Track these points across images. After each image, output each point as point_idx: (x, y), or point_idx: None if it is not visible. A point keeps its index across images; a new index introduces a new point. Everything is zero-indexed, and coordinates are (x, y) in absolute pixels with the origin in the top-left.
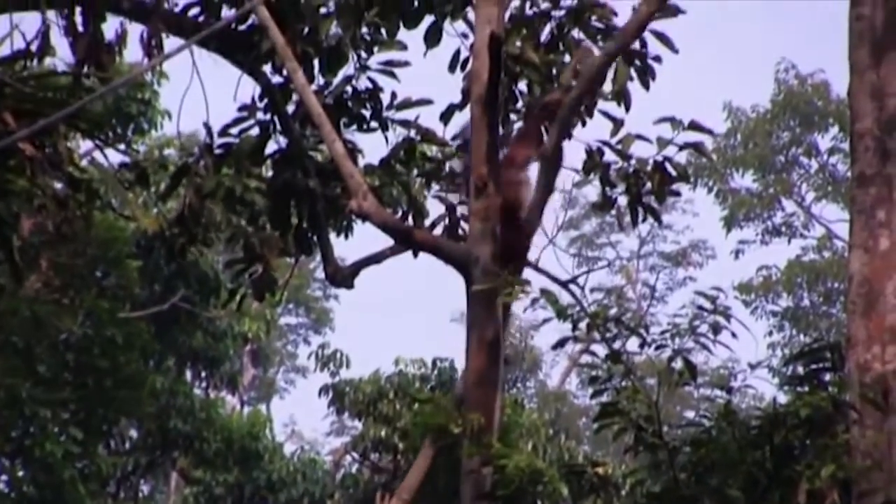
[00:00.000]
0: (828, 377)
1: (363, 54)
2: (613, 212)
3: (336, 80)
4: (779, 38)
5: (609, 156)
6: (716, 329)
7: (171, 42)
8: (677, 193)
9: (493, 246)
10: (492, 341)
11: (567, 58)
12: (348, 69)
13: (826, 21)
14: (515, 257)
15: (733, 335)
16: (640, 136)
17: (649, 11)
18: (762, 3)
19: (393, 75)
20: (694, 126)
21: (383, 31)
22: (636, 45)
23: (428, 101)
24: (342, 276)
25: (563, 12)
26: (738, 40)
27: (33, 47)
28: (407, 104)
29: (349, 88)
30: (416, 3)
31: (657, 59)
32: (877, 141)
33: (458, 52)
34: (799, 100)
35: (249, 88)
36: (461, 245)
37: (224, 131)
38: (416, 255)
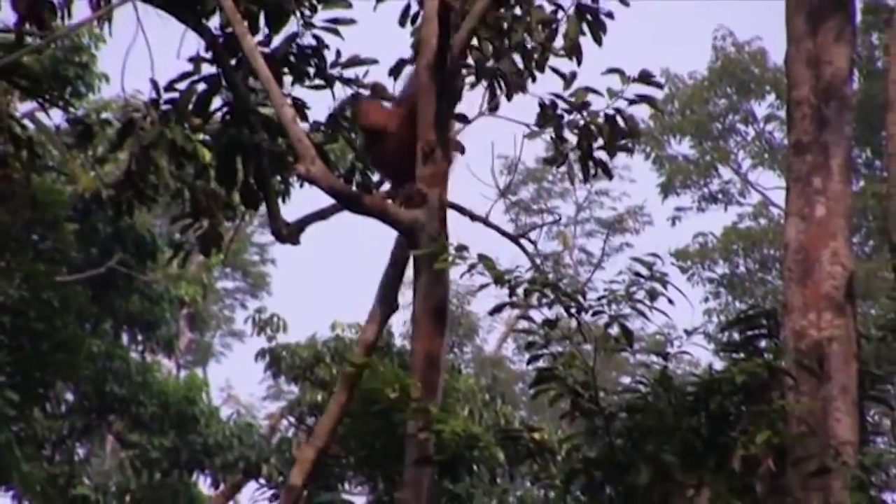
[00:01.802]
0: (763, 344)
1: (307, 12)
2: (561, 171)
3: (280, 37)
4: (716, 4)
5: (562, 109)
6: (652, 295)
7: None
8: (629, 149)
9: (439, 211)
10: (438, 307)
11: (518, 11)
12: (293, 26)
13: None
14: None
15: (670, 301)
16: (591, 90)
17: None
18: None
19: (337, 33)
20: (643, 78)
21: None
22: None
23: (373, 61)
24: (288, 232)
25: None
26: (674, 7)
27: None
28: (353, 62)
29: (294, 45)
30: None
31: (610, 14)
32: (813, 109)
33: (408, 6)
34: (736, 67)
35: (193, 45)
36: (408, 210)
37: (170, 86)
38: (363, 215)
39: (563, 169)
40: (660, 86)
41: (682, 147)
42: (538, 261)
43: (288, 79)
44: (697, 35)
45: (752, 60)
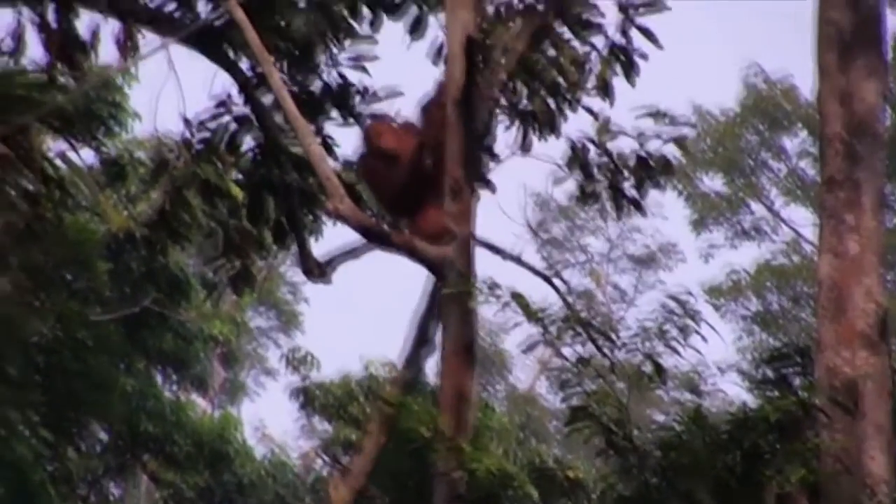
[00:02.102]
0: (797, 381)
1: (334, 49)
2: (592, 209)
3: (308, 75)
4: (745, 39)
5: (593, 149)
6: (685, 332)
7: (150, 42)
8: (660, 186)
9: (467, 248)
10: (467, 344)
11: (550, 52)
12: (320, 64)
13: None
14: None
15: (703, 338)
16: (620, 130)
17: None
18: (730, 4)
19: (364, 70)
20: (675, 120)
21: (355, 25)
22: (621, 39)
23: (398, 93)
24: (319, 271)
25: (545, 6)
26: (706, 42)
27: (6, 46)
28: (376, 97)
29: (320, 83)
30: None
31: (643, 56)
32: (845, 145)
33: (441, 46)
34: (767, 103)
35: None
36: (437, 248)
37: (201, 125)
38: (395, 251)
39: (596, 206)
40: (691, 125)
41: (714, 183)
42: (570, 299)
43: (317, 116)
44: (728, 70)
45: (783, 96)
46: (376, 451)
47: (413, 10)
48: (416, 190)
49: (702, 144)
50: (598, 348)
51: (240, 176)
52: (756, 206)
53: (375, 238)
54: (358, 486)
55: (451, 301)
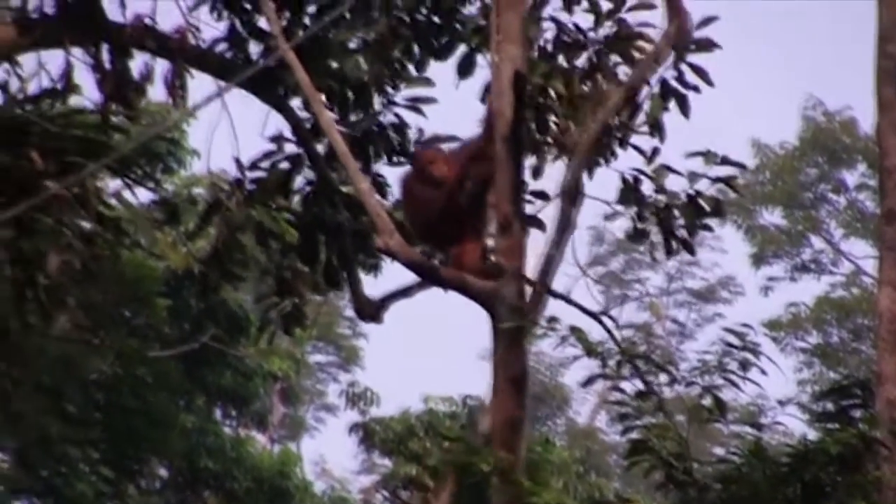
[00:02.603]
0: (858, 414)
1: (390, 90)
2: (644, 246)
3: (363, 116)
4: (806, 73)
5: (644, 187)
6: (745, 366)
7: (198, 78)
8: (709, 228)
9: (518, 283)
10: (518, 379)
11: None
12: (374, 105)
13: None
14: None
15: (762, 372)
16: (671, 170)
17: (667, 44)
18: (788, 38)
19: (419, 111)
20: (727, 161)
21: (410, 66)
22: (672, 75)
23: (453, 138)
24: (371, 311)
25: (599, 42)
26: (765, 76)
27: (59, 86)
28: (433, 140)
29: (376, 123)
30: (445, 36)
31: (696, 89)
32: None
33: (489, 84)
34: (826, 136)
35: (277, 123)
36: (487, 282)
37: (254, 166)
38: (445, 290)
39: (647, 244)
40: (742, 166)
41: (774, 217)
42: (624, 334)
43: (370, 156)
44: (789, 104)
45: (842, 130)
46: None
47: (462, 50)
48: (456, 221)
49: (761, 178)
50: (647, 384)
51: (291, 217)
52: (816, 240)
53: (426, 274)
54: None
55: (502, 335)
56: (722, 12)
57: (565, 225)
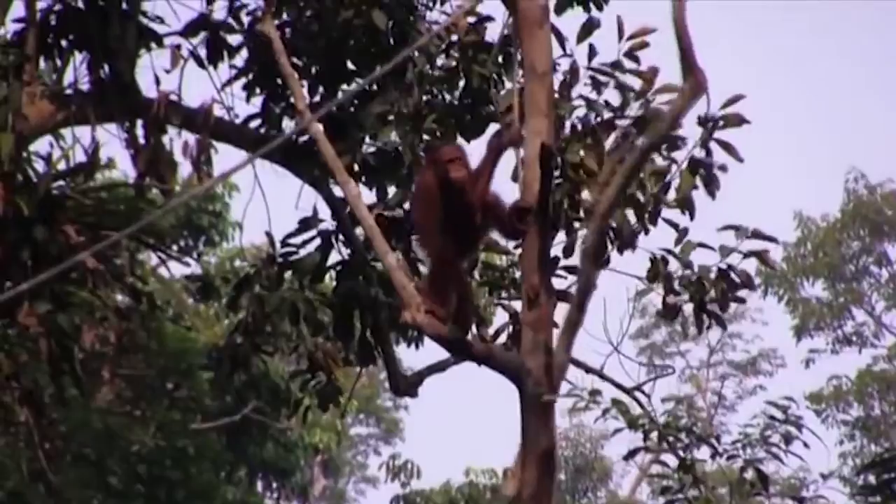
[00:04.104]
0: None
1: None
2: (679, 320)
3: (397, 190)
4: (848, 145)
5: (673, 263)
6: (787, 439)
7: (233, 154)
8: (742, 300)
9: (545, 356)
10: (546, 452)
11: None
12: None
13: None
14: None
15: (805, 445)
16: (702, 245)
17: (682, 106)
18: (831, 110)
19: None
20: (757, 234)
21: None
22: (702, 153)
23: None
24: (406, 385)
25: (627, 121)
26: (807, 148)
27: (88, 160)
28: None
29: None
30: (475, 113)
31: (723, 168)
32: None
33: (521, 162)
34: (869, 209)
35: (312, 196)
36: (514, 355)
37: (286, 241)
38: (479, 364)
39: (678, 321)
40: (773, 240)
41: (816, 289)
42: (665, 406)
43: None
44: (830, 175)
45: (884, 202)
46: None
47: (493, 126)
48: (465, 227)
49: (803, 250)
50: (688, 457)
51: (323, 297)
52: (858, 312)
53: (453, 348)
54: None
55: (531, 408)
56: (765, 85)
57: (587, 287)
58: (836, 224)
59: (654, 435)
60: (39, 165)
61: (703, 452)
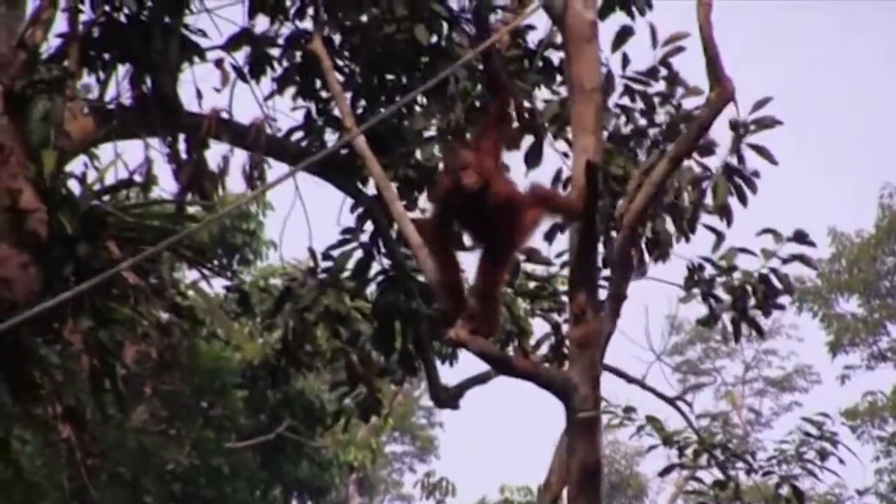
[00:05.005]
0: None
1: None
2: (717, 332)
3: None
4: (882, 161)
5: (711, 270)
6: (822, 455)
7: (274, 167)
8: (781, 307)
9: (592, 372)
10: (592, 469)
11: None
12: None
13: None
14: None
15: (840, 461)
16: (743, 250)
17: (710, 114)
18: (866, 126)
19: None
20: (798, 237)
21: None
22: (734, 160)
23: None
24: (447, 397)
25: (658, 129)
26: (841, 163)
27: (136, 176)
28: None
29: None
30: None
31: (756, 174)
32: None
33: (559, 172)
34: None
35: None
36: (560, 371)
37: (327, 254)
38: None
39: (719, 329)
40: (813, 244)
41: (850, 305)
42: (698, 420)
43: None
44: (865, 191)
45: None
46: None
47: (529, 139)
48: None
49: (837, 266)
50: (725, 473)
51: (363, 306)
52: (893, 328)
53: (496, 364)
54: None
55: (577, 425)
56: (800, 101)
57: (617, 297)
58: (870, 240)
59: (690, 451)
60: (74, 184)
61: (738, 468)
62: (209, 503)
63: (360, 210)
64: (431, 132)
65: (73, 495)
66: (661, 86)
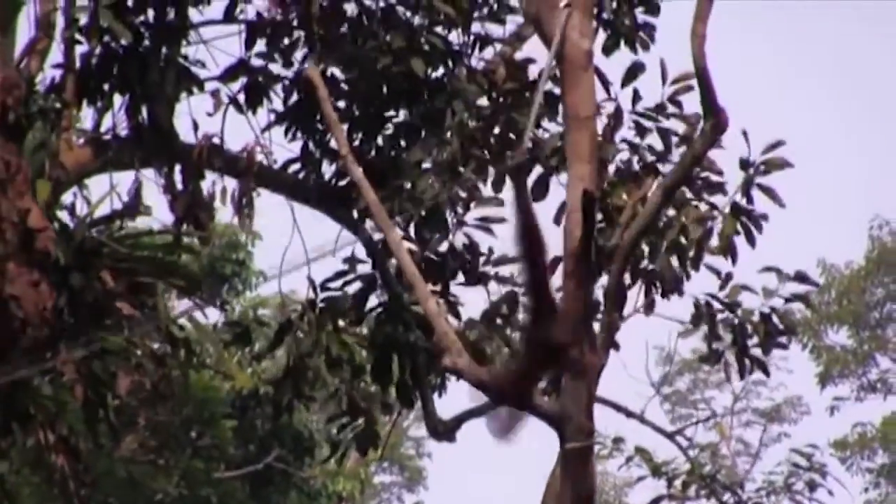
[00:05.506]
0: None
1: (460, 210)
2: (717, 367)
3: (436, 236)
4: (871, 193)
5: (716, 309)
6: (811, 486)
7: (264, 197)
8: (784, 346)
9: (587, 402)
10: (585, 499)
11: (672, 212)
12: (446, 225)
13: None
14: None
15: (829, 492)
16: (745, 287)
17: (705, 145)
18: (854, 157)
19: (490, 231)
20: (800, 277)
21: (481, 186)
22: (742, 199)
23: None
24: (444, 430)
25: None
26: (830, 195)
27: (130, 207)
28: (504, 260)
29: (447, 244)
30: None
31: (765, 216)
32: None
33: (563, 205)
34: (893, 255)
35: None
36: (554, 402)
37: (325, 286)
38: (518, 408)
39: (720, 365)
40: (815, 284)
41: (840, 336)
42: (693, 453)
43: (443, 276)
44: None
45: None
46: None
47: (537, 170)
48: None
49: (827, 298)
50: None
51: (360, 340)
52: (882, 359)
53: (492, 393)
54: None
55: (570, 457)
56: (787, 133)
57: (609, 329)
58: (860, 271)
59: (679, 481)
60: (64, 215)
61: (728, 500)
62: None
63: (356, 242)
64: (428, 165)
65: None
66: (675, 123)
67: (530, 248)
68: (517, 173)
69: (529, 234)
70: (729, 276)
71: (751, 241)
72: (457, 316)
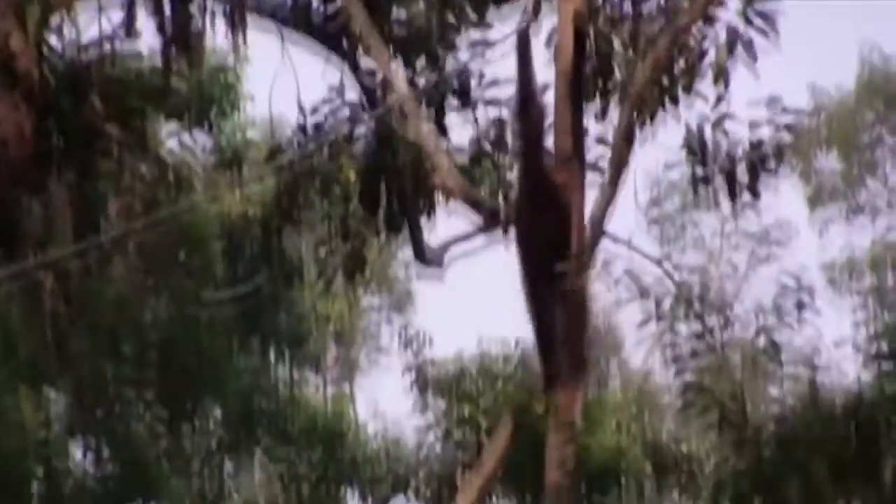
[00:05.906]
0: None
1: (451, 37)
2: (707, 190)
3: (425, 63)
4: (863, 16)
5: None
6: (800, 306)
7: (259, 23)
8: (773, 172)
9: (578, 222)
10: (580, 322)
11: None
12: (437, 52)
13: None
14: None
15: (817, 313)
16: (733, 116)
17: None
18: None
19: (481, 56)
20: (786, 108)
21: (469, 12)
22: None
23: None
24: (432, 255)
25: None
26: (823, 20)
27: (119, 30)
28: (495, 83)
29: (437, 70)
30: None
31: (763, 32)
32: None
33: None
34: (883, 79)
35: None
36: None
37: (315, 110)
38: (505, 231)
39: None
40: (803, 112)
41: (830, 160)
42: (683, 276)
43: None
44: (845, 45)
45: None
46: (508, 441)
47: None
48: None
49: (816, 122)
50: (702, 325)
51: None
52: (872, 182)
53: (482, 210)
54: (489, 473)
55: (565, 278)
56: None
57: (620, 164)
58: (850, 95)
59: (667, 303)
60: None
61: (716, 322)
62: (186, 353)
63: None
64: None
65: (49, 345)
66: None
67: (528, 119)
68: (521, 42)
69: (529, 105)
70: (721, 99)
71: (753, 57)
72: (447, 138)
